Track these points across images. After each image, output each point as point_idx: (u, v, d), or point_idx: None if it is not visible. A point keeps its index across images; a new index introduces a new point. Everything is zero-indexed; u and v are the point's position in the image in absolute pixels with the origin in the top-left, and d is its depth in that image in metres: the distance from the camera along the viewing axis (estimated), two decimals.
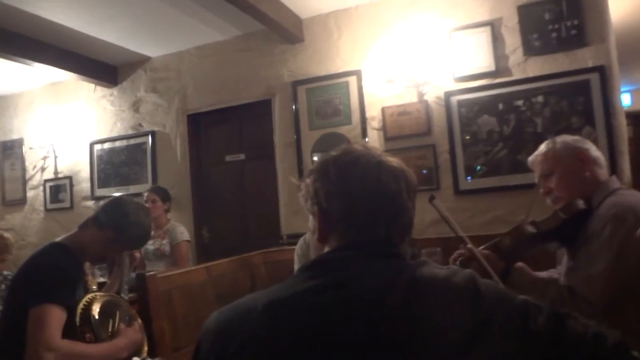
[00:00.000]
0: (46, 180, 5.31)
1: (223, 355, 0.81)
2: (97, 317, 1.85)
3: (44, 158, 5.33)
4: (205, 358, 0.84)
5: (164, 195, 3.90)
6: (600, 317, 1.55)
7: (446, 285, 0.83)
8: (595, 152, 1.81)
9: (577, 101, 3.36)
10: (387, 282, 0.82)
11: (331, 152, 0.97)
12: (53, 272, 1.77)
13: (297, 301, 0.83)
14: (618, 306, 1.59)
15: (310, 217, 0.98)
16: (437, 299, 0.81)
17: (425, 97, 3.75)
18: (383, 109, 3.86)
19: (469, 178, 3.61)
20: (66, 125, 5.20)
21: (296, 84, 4.19)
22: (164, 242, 3.76)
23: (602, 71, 3.31)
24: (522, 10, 3.51)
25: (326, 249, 0.93)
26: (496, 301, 0.82)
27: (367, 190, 0.89)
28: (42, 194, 5.34)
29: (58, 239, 1.94)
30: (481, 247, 1.74)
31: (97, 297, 1.94)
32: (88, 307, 1.85)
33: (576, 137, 1.88)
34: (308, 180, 0.96)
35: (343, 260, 0.87)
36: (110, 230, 1.94)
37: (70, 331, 1.73)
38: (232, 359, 0.79)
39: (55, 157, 5.25)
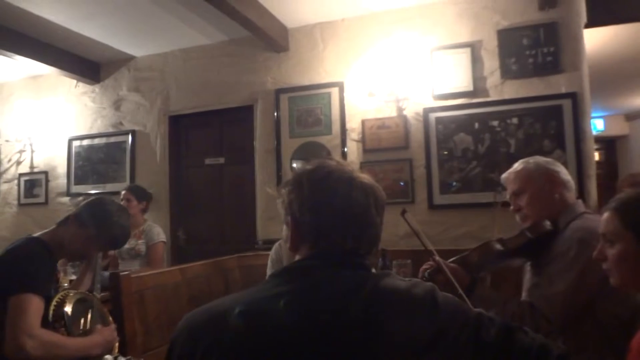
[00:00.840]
0: (21, 174, 5.26)
1: (193, 356, 0.85)
2: (69, 314, 1.87)
3: (20, 152, 5.27)
4: (178, 358, 0.88)
5: (140, 194, 3.88)
6: (558, 333, 1.63)
7: (406, 296, 0.89)
8: (565, 175, 1.89)
9: (550, 125, 3.49)
10: (351, 290, 0.88)
11: (306, 165, 1.03)
12: (32, 264, 1.80)
13: (266, 306, 0.88)
14: (575, 323, 1.66)
15: (284, 226, 1.03)
16: (397, 309, 0.87)
17: (405, 112, 3.84)
18: (363, 122, 3.94)
19: (449, 190, 3.69)
20: (45, 120, 5.16)
21: (279, 91, 4.25)
22: (140, 242, 3.73)
23: (574, 97, 3.44)
24: (501, 34, 3.64)
25: (297, 257, 0.98)
26: (452, 313, 0.89)
27: (338, 205, 0.95)
28: (16, 187, 5.28)
29: (35, 234, 1.96)
30: (449, 260, 1.81)
31: (70, 294, 1.96)
32: (61, 304, 1.87)
33: (549, 159, 1.95)
34: (284, 191, 1.02)
35: (311, 268, 0.93)
36: (91, 228, 1.96)
37: (43, 326, 1.75)
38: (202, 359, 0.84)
39: (32, 151, 5.20)
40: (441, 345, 0.84)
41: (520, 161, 1.95)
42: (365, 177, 1.00)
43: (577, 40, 3.51)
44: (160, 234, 3.81)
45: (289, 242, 0.98)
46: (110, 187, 4.74)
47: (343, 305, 0.85)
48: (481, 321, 0.90)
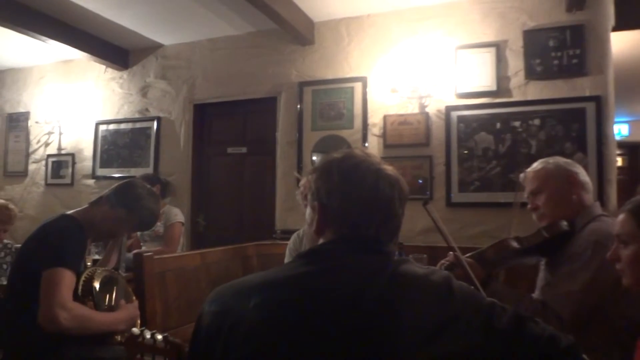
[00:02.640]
0: (49, 156, 5.40)
1: (221, 329, 0.90)
2: (97, 289, 1.95)
3: (49, 133, 5.42)
4: (207, 328, 0.94)
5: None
6: (568, 332, 1.66)
7: (424, 281, 0.94)
8: (584, 176, 1.91)
9: (572, 127, 3.48)
10: (372, 273, 0.93)
11: (334, 154, 1.08)
12: (66, 239, 1.88)
13: (291, 284, 0.94)
14: (586, 323, 1.69)
15: (308, 210, 1.08)
16: (414, 293, 0.92)
17: (427, 109, 3.87)
18: (385, 117, 3.98)
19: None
20: (73, 103, 5.29)
21: (303, 84, 4.30)
22: (159, 224, 3.83)
23: (598, 101, 3.43)
24: (527, 35, 3.63)
25: (321, 241, 1.03)
26: (466, 300, 0.93)
27: (365, 194, 1.00)
28: (43, 168, 5.43)
29: (69, 212, 2.04)
30: (466, 256, 1.85)
31: (98, 271, 2.04)
32: (90, 279, 1.96)
33: (568, 160, 1.96)
34: (310, 177, 1.07)
35: (336, 251, 0.98)
36: (122, 210, 2.04)
37: (73, 300, 1.83)
38: (230, 329, 0.89)
39: (60, 134, 5.34)
40: (453, 331, 0.88)
41: (540, 161, 1.97)
42: (391, 169, 1.05)
43: (604, 43, 3.49)
44: (178, 214, 3.89)
45: (315, 225, 1.03)
46: (134, 172, 4.84)
47: (363, 286, 0.90)
48: (494, 309, 0.93)
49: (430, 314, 0.89)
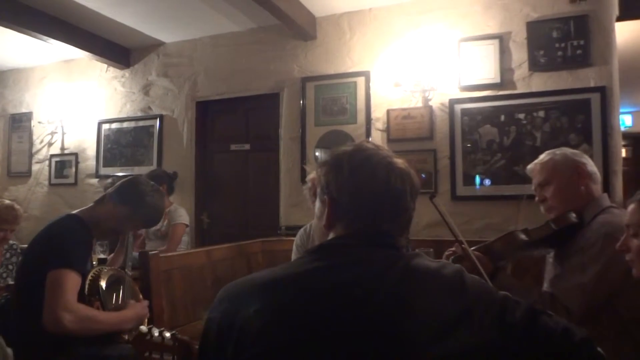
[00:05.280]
0: (52, 155, 5.41)
1: (232, 329, 0.89)
2: (104, 288, 1.95)
3: (52, 133, 5.42)
4: (218, 325, 0.92)
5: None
6: (576, 324, 1.65)
7: (436, 275, 0.93)
8: (592, 167, 1.89)
9: (577, 119, 3.46)
10: (384, 268, 0.92)
11: (344, 147, 1.06)
12: (71, 240, 1.88)
13: (302, 280, 0.93)
14: (595, 316, 1.68)
15: (317, 204, 1.07)
16: (426, 287, 0.91)
17: (430, 103, 3.85)
18: (388, 111, 3.96)
19: (478, 187, 3.70)
20: (76, 103, 5.28)
21: (305, 80, 4.29)
22: (164, 223, 3.82)
23: (603, 92, 3.40)
24: (530, 26, 3.61)
25: (331, 235, 1.02)
26: (479, 294, 0.93)
27: (377, 188, 0.99)
28: (47, 168, 5.43)
29: (74, 212, 2.04)
30: (472, 248, 1.83)
31: (104, 270, 2.04)
32: (96, 279, 1.96)
33: (576, 151, 1.95)
34: (320, 171, 1.06)
35: (347, 246, 0.97)
36: (127, 208, 2.03)
37: (79, 300, 1.83)
38: (241, 328, 0.88)
39: (63, 133, 5.34)
40: (467, 325, 0.87)
41: (547, 152, 1.95)
42: (401, 162, 1.03)
43: (608, 33, 3.47)
44: (182, 215, 3.87)
45: (325, 220, 1.02)
46: (137, 170, 4.84)
47: (376, 281, 0.89)
48: (507, 303, 0.93)
49: (443, 308, 0.88)
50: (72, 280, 1.78)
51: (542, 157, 1.95)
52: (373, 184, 0.99)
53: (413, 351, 0.83)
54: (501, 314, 0.91)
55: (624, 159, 3.91)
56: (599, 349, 0.95)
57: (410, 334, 0.85)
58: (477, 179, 3.70)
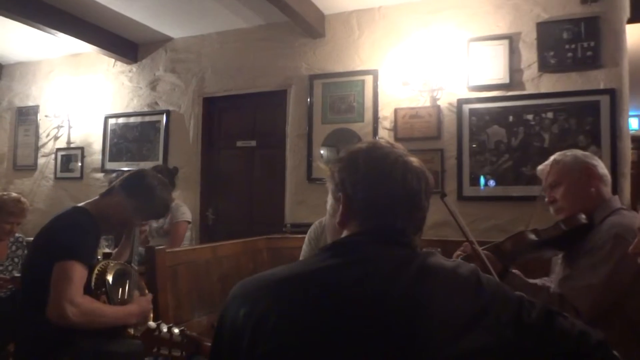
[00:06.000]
0: (58, 149, 5.41)
1: (246, 325, 0.87)
2: (110, 282, 1.95)
3: (58, 127, 5.42)
4: (232, 322, 0.90)
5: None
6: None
7: (452, 274, 0.92)
8: (602, 169, 1.88)
9: (586, 121, 3.44)
10: (399, 266, 0.91)
11: (358, 144, 1.05)
12: (78, 232, 1.87)
13: (316, 278, 0.91)
14: (604, 318, 1.67)
15: (330, 200, 1.06)
16: (442, 286, 0.90)
17: (438, 102, 3.83)
18: (396, 110, 3.95)
19: (482, 187, 3.69)
20: (83, 97, 5.29)
21: (313, 77, 4.27)
22: (166, 220, 3.79)
23: (612, 94, 3.39)
24: (541, 27, 3.59)
25: (345, 233, 1.01)
26: (495, 294, 0.92)
27: (392, 187, 0.98)
28: (53, 162, 5.44)
29: (81, 204, 2.04)
30: (482, 248, 1.83)
31: (111, 264, 2.04)
32: (103, 272, 1.95)
33: (586, 153, 1.94)
34: (334, 167, 1.05)
35: (362, 244, 0.96)
36: (136, 200, 2.03)
37: (86, 293, 1.83)
38: (257, 325, 0.86)
39: (69, 127, 5.35)
40: (482, 325, 0.86)
41: (558, 153, 1.94)
42: (416, 161, 1.02)
43: (619, 35, 3.44)
44: (185, 213, 3.82)
45: (339, 217, 1.00)
46: (143, 165, 4.80)
47: (391, 279, 0.89)
48: (522, 303, 0.92)
49: (459, 307, 0.87)
50: (78, 273, 1.78)
51: (553, 158, 1.95)
52: (389, 182, 0.98)
53: (428, 351, 0.83)
54: (517, 314, 0.90)
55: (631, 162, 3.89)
56: (614, 352, 0.94)
57: (426, 334, 0.84)
58: (482, 180, 3.69)
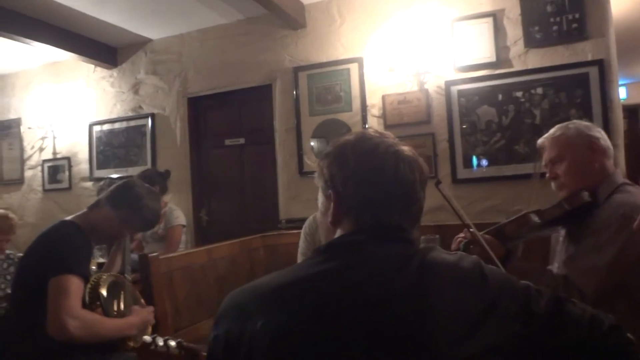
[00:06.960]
0: (44, 161, 5.32)
1: (243, 334, 0.82)
2: (105, 295, 1.90)
3: (43, 138, 5.33)
4: (225, 337, 0.85)
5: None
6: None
7: (455, 269, 0.87)
8: (605, 141, 1.78)
9: (576, 94, 3.40)
10: (399, 265, 0.86)
11: (345, 137, 0.99)
12: (69, 245, 1.83)
13: (313, 283, 0.86)
14: (609, 300, 1.62)
15: (320, 198, 1.00)
16: (446, 282, 0.85)
17: (426, 86, 3.78)
18: (383, 97, 3.89)
19: (475, 168, 3.65)
20: (65, 106, 5.19)
21: (297, 69, 4.21)
22: (161, 225, 3.73)
23: (601, 65, 3.35)
24: (524, 2, 3.53)
25: (338, 232, 0.95)
26: (500, 285, 0.87)
27: (385, 179, 0.92)
28: (40, 174, 5.34)
29: (68, 218, 1.98)
30: (482, 232, 1.77)
31: (103, 277, 1.98)
32: (96, 286, 1.90)
33: (588, 124, 1.83)
34: (322, 163, 0.98)
35: (358, 243, 0.90)
36: (123, 212, 1.98)
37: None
38: (250, 343, 0.81)
39: (54, 138, 5.25)
40: (492, 319, 0.82)
41: (559, 126, 1.83)
42: (408, 149, 0.96)
43: (604, 5, 3.40)
44: (179, 217, 3.77)
45: (331, 216, 0.95)
46: (131, 171, 4.75)
47: (392, 278, 0.84)
48: (530, 293, 0.88)
49: (466, 304, 0.82)
50: (74, 285, 1.74)
51: (554, 131, 1.83)
52: (381, 174, 0.92)
53: (438, 352, 0.78)
54: (525, 304, 0.86)
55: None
56: (629, 334, 0.90)
57: (434, 335, 0.79)
58: (475, 161, 3.65)
